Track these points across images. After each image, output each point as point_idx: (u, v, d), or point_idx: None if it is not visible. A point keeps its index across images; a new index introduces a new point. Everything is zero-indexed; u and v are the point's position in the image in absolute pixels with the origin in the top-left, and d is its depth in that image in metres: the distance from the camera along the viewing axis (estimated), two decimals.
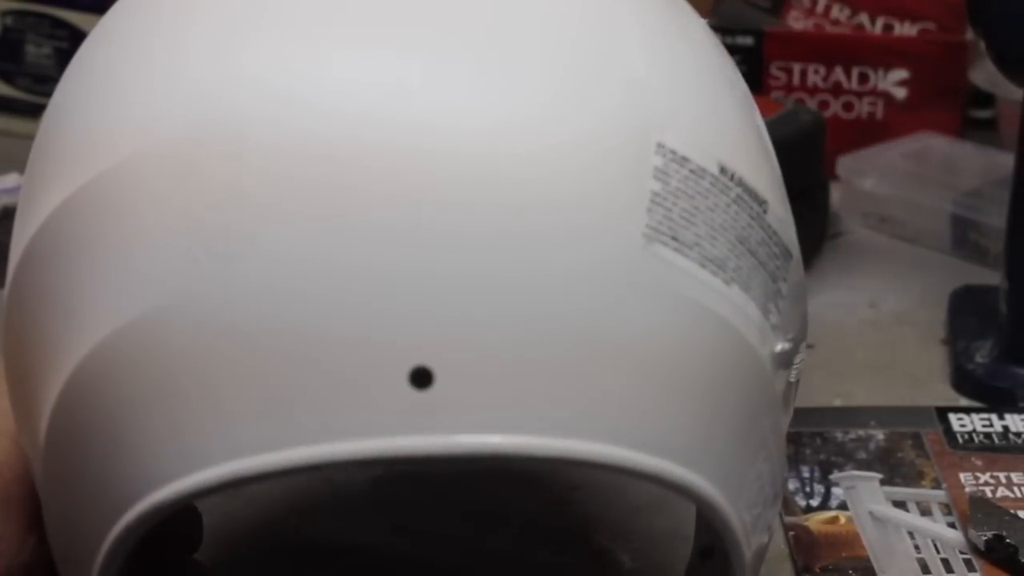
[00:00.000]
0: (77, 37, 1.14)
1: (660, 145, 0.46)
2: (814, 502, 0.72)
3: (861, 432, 0.77)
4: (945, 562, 0.67)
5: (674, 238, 0.46)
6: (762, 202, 0.49)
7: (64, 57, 1.15)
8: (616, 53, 0.47)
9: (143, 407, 0.44)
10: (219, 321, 0.43)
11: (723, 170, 0.48)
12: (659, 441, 0.45)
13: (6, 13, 1.16)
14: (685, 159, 0.47)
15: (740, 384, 0.48)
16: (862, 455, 0.75)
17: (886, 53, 1.09)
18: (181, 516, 0.58)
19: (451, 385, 0.43)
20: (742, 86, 0.53)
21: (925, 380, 0.84)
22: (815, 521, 0.70)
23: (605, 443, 0.45)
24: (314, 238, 0.43)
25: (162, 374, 0.44)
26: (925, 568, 0.67)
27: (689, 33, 0.51)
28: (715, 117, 0.49)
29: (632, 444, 0.45)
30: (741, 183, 0.48)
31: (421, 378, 0.43)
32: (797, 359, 0.52)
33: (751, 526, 0.49)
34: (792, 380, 0.52)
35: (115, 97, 0.47)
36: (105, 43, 0.50)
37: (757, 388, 0.49)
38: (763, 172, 0.50)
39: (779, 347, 0.50)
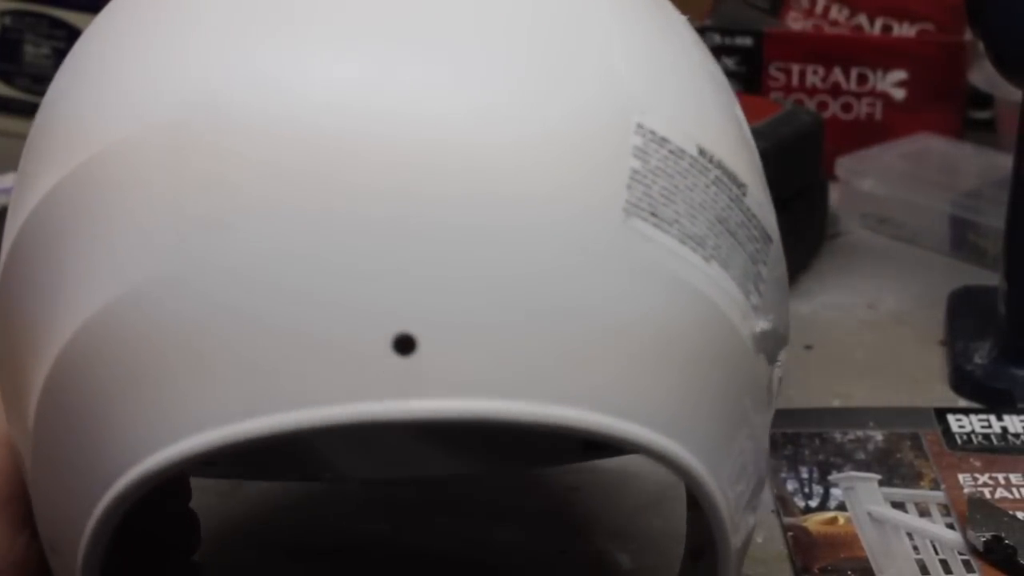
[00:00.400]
0: (75, 37, 1.13)
1: (639, 125, 0.47)
2: (813, 503, 0.72)
3: (860, 433, 0.77)
4: (944, 563, 0.67)
5: (653, 214, 0.47)
6: (741, 185, 0.50)
7: (62, 57, 1.15)
8: (594, 43, 0.48)
9: (129, 381, 0.45)
10: (204, 295, 0.44)
11: (702, 152, 0.49)
12: (640, 410, 0.46)
13: (4, 13, 1.16)
14: (664, 139, 0.48)
15: (721, 359, 0.49)
16: (861, 456, 0.75)
17: (885, 54, 1.09)
18: (179, 519, 0.58)
19: (434, 351, 0.44)
20: (722, 80, 0.54)
21: (924, 381, 0.84)
22: (814, 522, 0.70)
23: (588, 410, 0.45)
24: (298, 217, 0.44)
25: (147, 348, 0.45)
26: (924, 569, 0.67)
27: (667, 27, 0.52)
28: (694, 104, 0.50)
29: (614, 412, 0.45)
30: (720, 165, 0.49)
31: (404, 345, 0.43)
32: (781, 355, 0.53)
33: (735, 504, 0.49)
34: (777, 376, 0.53)
35: (105, 86, 0.48)
36: (98, 40, 0.51)
37: (738, 365, 0.50)
38: (742, 158, 0.51)
39: (760, 327, 0.50)
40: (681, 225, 0.47)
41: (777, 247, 0.53)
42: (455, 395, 0.44)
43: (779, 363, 0.53)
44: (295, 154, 0.44)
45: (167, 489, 0.57)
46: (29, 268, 0.48)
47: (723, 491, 0.48)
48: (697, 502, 0.51)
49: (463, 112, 0.45)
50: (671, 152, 0.48)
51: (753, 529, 0.53)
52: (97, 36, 0.51)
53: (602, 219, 0.46)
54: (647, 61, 0.50)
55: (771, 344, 0.52)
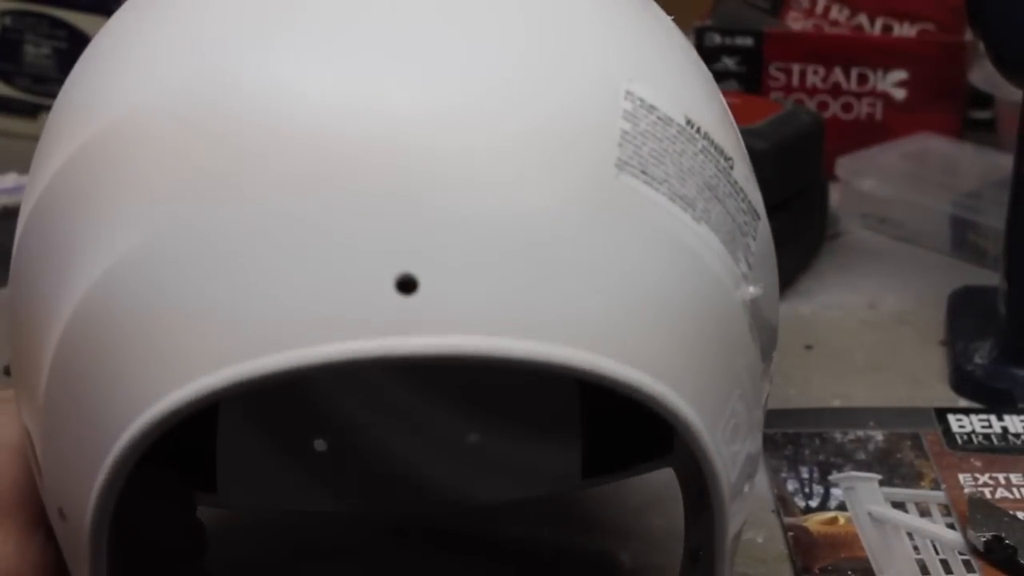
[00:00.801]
0: (76, 37, 1.14)
1: (629, 92, 0.49)
2: (813, 503, 0.72)
3: (860, 433, 0.77)
4: (944, 563, 0.67)
5: (644, 172, 0.48)
6: (728, 158, 0.51)
7: (63, 57, 1.15)
8: (583, 31, 0.50)
9: (139, 331, 0.46)
10: (213, 244, 0.46)
11: (689, 123, 0.50)
12: (637, 354, 0.47)
13: (5, 13, 1.17)
14: (653, 107, 0.49)
15: (712, 315, 0.49)
16: (861, 456, 0.75)
17: (885, 54, 1.09)
18: (185, 527, 0.58)
19: (435, 291, 0.45)
20: (708, 73, 0.55)
21: (924, 381, 0.85)
22: (814, 522, 0.70)
23: (586, 351, 0.46)
24: (302, 170, 0.45)
25: (155, 299, 0.46)
26: (924, 569, 0.67)
27: (654, 21, 0.54)
28: (681, 82, 0.52)
29: (613, 355, 0.46)
30: (707, 137, 0.51)
31: (406, 285, 0.45)
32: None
33: (730, 464, 0.50)
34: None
35: (117, 68, 0.50)
36: (110, 37, 0.53)
37: (729, 324, 0.50)
38: (729, 137, 0.53)
39: (750, 294, 0.51)
40: (671, 185, 0.49)
41: (764, 226, 0.54)
42: (455, 332, 0.45)
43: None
44: (296, 136, 0.46)
45: (173, 497, 0.58)
46: (43, 234, 0.50)
47: (717, 446, 0.49)
48: (696, 500, 0.51)
49: (467, 88, 0.47)
50: (659, 119, 0.49)
51: (744, 523, 0.53)
52: (108, 35, 0.53)
53: (595, 172, 0.47)
54: (635, 47, 0.51)
55: (762, 321, 0.52)
